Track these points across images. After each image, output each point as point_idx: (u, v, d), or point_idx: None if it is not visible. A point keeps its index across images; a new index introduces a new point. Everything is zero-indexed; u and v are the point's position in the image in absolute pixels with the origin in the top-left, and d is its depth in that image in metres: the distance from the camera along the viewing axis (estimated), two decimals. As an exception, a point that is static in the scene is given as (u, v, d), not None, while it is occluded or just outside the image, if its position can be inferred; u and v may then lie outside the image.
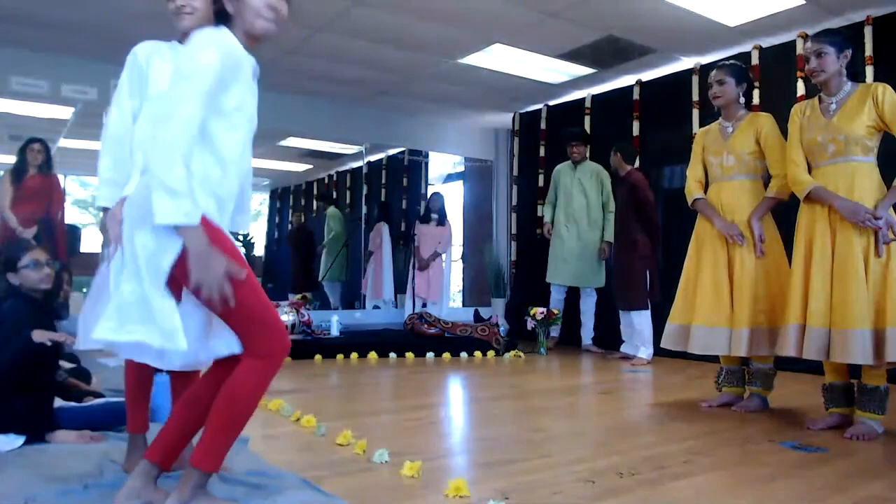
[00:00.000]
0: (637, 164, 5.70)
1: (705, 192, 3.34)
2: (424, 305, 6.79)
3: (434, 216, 7.07)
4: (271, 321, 1.64)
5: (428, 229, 7.03)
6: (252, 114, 1.74)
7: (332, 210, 8.03)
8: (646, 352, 5.01)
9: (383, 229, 7.68)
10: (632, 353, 5.12)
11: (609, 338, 5.54)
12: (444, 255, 7.15)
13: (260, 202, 8.48)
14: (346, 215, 8.08)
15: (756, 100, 4.95)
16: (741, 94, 3.26)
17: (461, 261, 8.49)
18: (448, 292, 7.77)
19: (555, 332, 5.81)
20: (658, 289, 4.97)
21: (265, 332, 1.63)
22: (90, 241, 6.47)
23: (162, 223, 1.50)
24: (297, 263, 7.93)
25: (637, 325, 5.03)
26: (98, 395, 2.75)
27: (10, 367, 2.21)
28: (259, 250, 8.07)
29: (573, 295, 5.78)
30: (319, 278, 7.82)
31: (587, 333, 5.73)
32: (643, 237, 5.01)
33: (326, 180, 8.41)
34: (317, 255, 7.98)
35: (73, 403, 2.57)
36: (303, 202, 8.63)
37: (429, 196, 7.47)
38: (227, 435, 1.63)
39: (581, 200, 5.65)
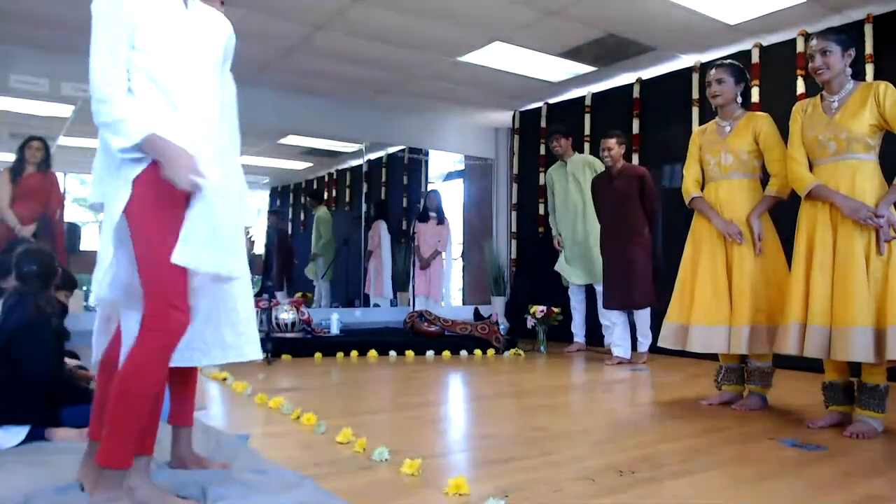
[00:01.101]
0: (636, 160, 5.73)
1: (702, 190, 3.34)
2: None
3: (432, 215, 7.07)
4: (156, 287, 1.57)
5: (427, 228, 7.03)
6: (186, 44, 1.69)
7: (322, 212, 7.99)
8: (645, 344, 4.92)
9: (381, 227, 7.67)
10: (625, 356, 4.94)
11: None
12: (444, 253, 7.15)
13: (260, 200, 8.49)
14: (335, 214, 8.08)
15: (756, 98, 4.95)
16: (739, 94, 3.27)
17: (461, 259, 8.49)
18: (448, 289, 7.77)
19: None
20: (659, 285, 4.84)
21: (149, 297, 1.57)
22: (90, 239, 6.48)
23: (119, 149, 1.59)
24: (277, 263, 7.95)
25: (641, 320, 4.92)
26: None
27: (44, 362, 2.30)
28: (259, 248, 8.08)
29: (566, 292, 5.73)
30: (320, 277, 7.83)
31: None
32: (648, 232, 4.88)
33: (326, 178, 8.41)
34: (296, 255, 8.03)
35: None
36: (303, 200, 8.63)
37: (426, 194, 7.46)
38: (117, 424, 1.54)
39: (577, 195, 5.51)
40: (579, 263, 5.52)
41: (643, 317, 4.93)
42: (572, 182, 5.55)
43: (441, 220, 7.11)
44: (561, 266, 5.66)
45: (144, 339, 1.57)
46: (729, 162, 3.21)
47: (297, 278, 7.94)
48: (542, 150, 6.92)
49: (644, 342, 4.94)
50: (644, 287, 4.81)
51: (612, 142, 4.93)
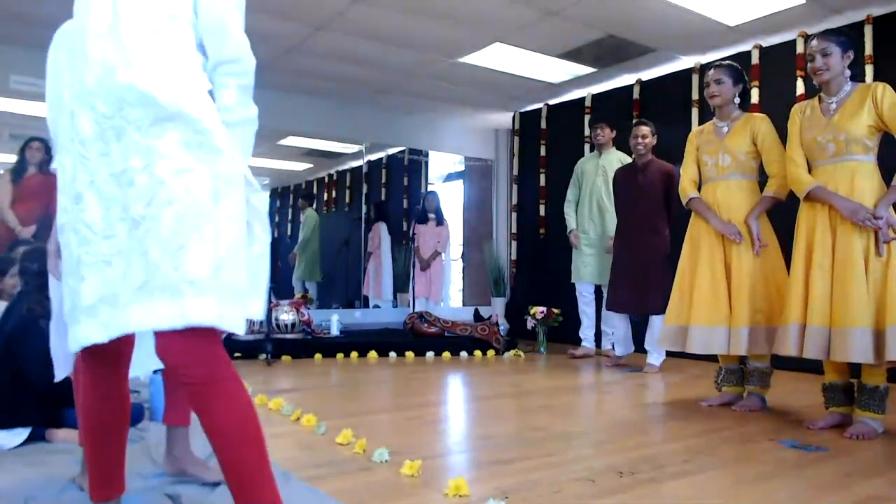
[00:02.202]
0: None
1: (699, 191, 3.34)
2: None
3: (431, 216, 7.07)
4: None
5: (426, 229, 7.03)
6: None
7: (309, 212, 8.04)
8: (658, 357, 4.55)
9: (381, 229, 7.68)
10: (622, 356, 4.78)
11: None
12: (443, 254, 7.15)
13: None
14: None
15: (755, 99, 4.96)
16: (737, 95, 3.27)
17: (461, 260, 8.49)
18: (448, 290, 7.76)
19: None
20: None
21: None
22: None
23: None
24: None
25: (656, 328, 4.46)
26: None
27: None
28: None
29: (571, 291, 5.58)
30: (320, 277, 7.84)
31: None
32: (668, 233, 4.55)
33: (326, 179, 8.42)
34: (281, 256, 8.05)
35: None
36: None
37: (424, 196, 7.43)
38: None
39: (604, 189, 5.21)
40: (593, 261, 5.24)
41: (658, 326, 4.42)
42: (601, 174, 5.24)
43: (440, 221, 7.12)
44: (576, 268, 5.37)
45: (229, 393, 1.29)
46: (726, 163, 3.22)
47: (281, 280, 7.95)
48: (543, 152, 6.92)
49: (657, 355, 4.56)
50: (661, 291, 4.27)
51: (647, 129, 4.64)
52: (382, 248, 7.63)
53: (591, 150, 6.16)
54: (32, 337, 2.30)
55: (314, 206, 8.24)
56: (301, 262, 7.87)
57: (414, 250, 7.06)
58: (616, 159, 5.22)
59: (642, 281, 4.52)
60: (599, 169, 5.30)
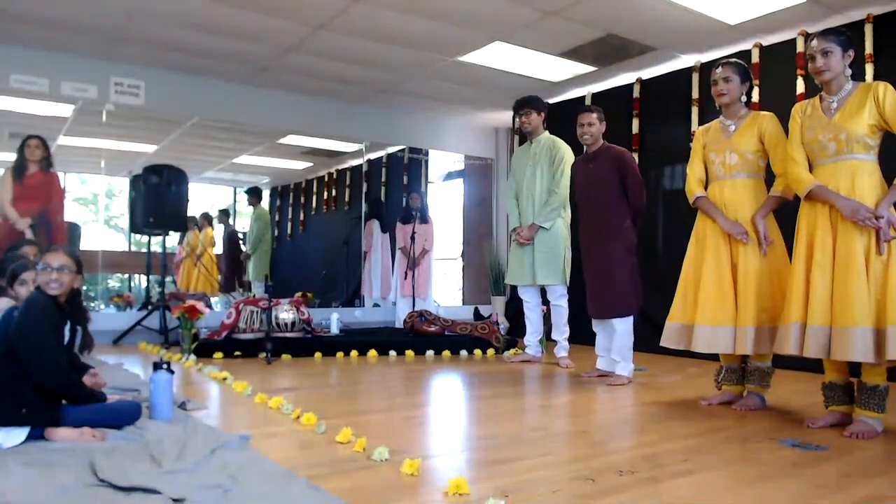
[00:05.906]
0: (637, 161, 5.71)
1: (705, 190, 3.34)
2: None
3: (417, 215, 7.04)
4: None
5: (417, 228, 7.01)
6: None
7: (260, 210, 8.07)
8: (626, 367, 4.07)
9: (374, 227, 7.63)
10: (609, 370, 4.19)
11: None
12: (430, 252, 7.12)
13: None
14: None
15: (756, 98, 4.95)
16: (744, 93, 3.26)
17: (461, 259, 8.49)
18: (432, 287, 7.71)
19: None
20: (641, 290, 4.16)
21: None
22: (90, 239, 6.48)
23: None
24: (227, 263, 7.97)
25: (619, 334, 4.09)
26: (100, 394, 2.73)
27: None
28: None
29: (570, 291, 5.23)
30: (254, 278, 7.85)
31: (562, 344, 4.80)
32: (630, 225, 4.13)
33: (326, 178, 8.43)
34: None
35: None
36: (302, 200, 8.64)
37: (408, 196, 7.31)
38: None
39: (531, 182, 4.75)
40: (527, 260, 4.74)
41: (624, 332, 4.09)
42: (529, 165, 4.79)
43: (425, 219, 7.03)
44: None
45: None
46: (733, 161, 3.21)
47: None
48: (542, 150, 6.91)
49: (624, 364, 4.08)
50: (620, 293, 4.05)
51: (593, 116, 4.23)
52: (374, 246, 7.58)
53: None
54: (40, 335, 2.31)
55: (262, 202, 8.23)
56: (253, 262, 7.87)
57: (412, 249, 7.04)
58: (544, 144, 4.76)
59: (602, 283, 4.13)
60: (529, 158, 4.82)
